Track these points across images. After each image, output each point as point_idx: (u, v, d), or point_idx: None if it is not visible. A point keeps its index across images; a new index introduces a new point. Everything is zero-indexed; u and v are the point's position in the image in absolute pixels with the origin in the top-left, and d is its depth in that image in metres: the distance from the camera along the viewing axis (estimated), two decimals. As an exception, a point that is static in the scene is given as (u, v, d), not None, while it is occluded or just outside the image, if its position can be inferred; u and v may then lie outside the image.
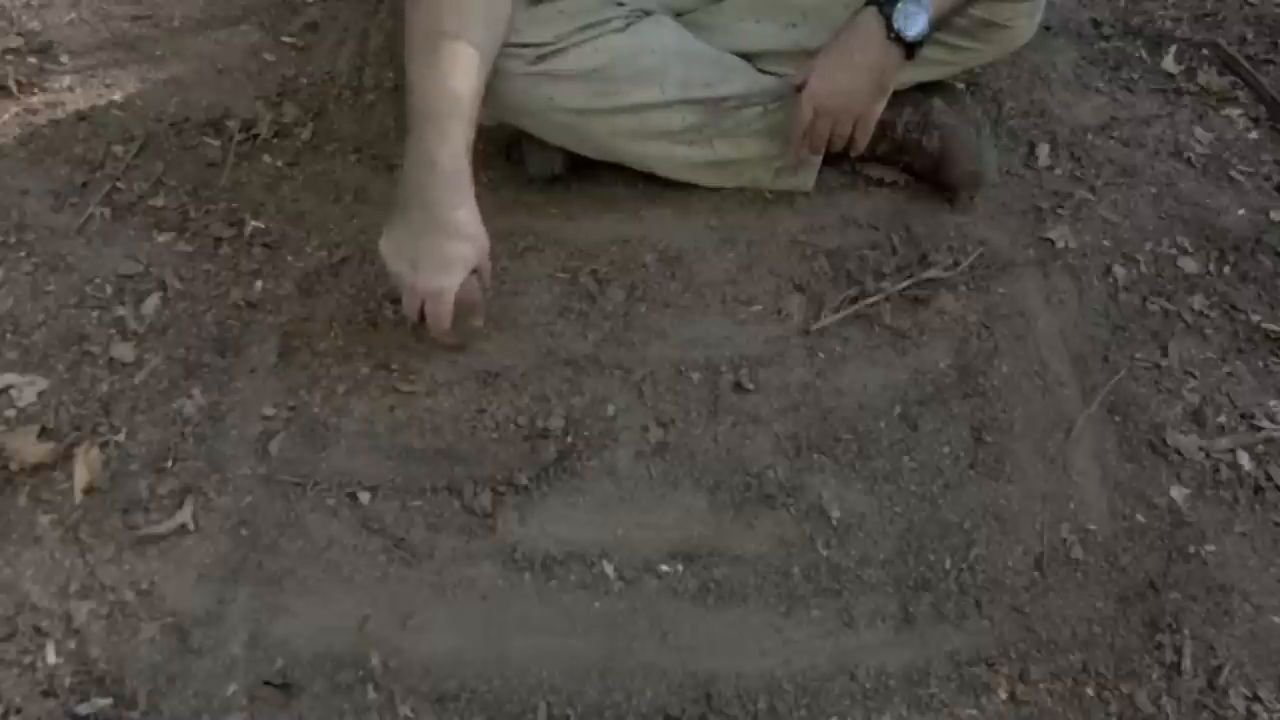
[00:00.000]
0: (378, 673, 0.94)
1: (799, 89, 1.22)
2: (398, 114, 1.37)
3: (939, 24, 1.16)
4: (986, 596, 1.03)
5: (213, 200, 1.30)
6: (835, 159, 1.36)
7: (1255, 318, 1.29)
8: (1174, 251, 1.36)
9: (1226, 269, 1.35)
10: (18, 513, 1.01)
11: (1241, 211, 1.42)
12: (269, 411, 1.10)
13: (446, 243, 1.04)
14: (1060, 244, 1.34)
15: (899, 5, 1.12)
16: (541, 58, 1.16)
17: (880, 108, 1.21)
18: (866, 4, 1.16)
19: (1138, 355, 1.24)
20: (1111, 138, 1.50)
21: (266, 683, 0.92)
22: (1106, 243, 1.36)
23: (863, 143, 1.24)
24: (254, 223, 1.28)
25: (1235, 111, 1.56)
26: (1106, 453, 1.15)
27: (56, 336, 1.14)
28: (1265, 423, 1.19)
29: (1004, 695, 0.97)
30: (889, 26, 1.13)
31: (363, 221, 1.29)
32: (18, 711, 0.89)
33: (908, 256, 1.31)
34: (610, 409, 1.14)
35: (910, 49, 1.15)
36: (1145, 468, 1.14)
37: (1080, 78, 1.59)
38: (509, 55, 1.15)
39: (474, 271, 1.08)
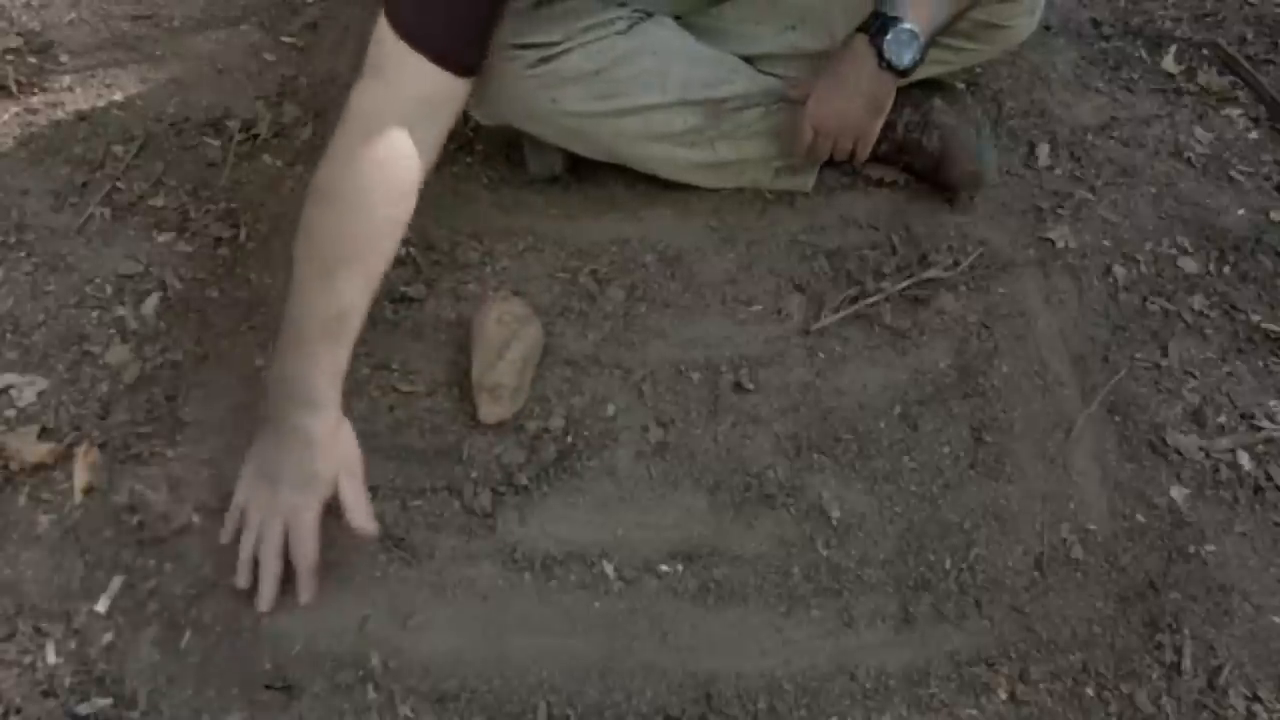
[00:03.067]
0: (378, 673, 0.94)
1: (798, 100, 1.22)
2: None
3: (931, 42, 1.17)
4: (986, 596, 1.03)
5: (213, 200, 1.30)
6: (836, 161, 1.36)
7: (1255, 318, 1.29)
8: (1174, 251, 1.36)
9: (1226, 269, 1.35)
10: (18, 513, 1.01)
11: (1241, 211, 1.42)
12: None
13: (313, 461, 0.94)
14: (1060, 244, 1.34)
15: (889, 36, 1.13)
16: (544, 59, 1.16)
17: (879, 124, 1.22)
18: (858, 31, 1.16)
19: (1138, 355, 1.24)
20: (1111, 138, 1.50)
21: (267, 685, 0.92)
22: (1106, 243, 1.36)
23: (864, 156, 1.26)
24: (254, 223, 1.28)
25: (1235, 111, 1.56)
26: (1106, 453, 1.15)
27: (56, 336, 1.14)
28: (1265, 423, 1.19)
29: (1004, 695, 0.97)
30: (880, 56, 1.14)
31: (363, 221, 1.29)
32: (18, 711, 0.89)
33: (908, 256, 1.31)
34: (610, 409, 1.14)
35: (904, 73, 1.16)
36: (1145, 468, 1.14)
37: (1080, 78, 1.59)
38: (511, 57, 1.15)
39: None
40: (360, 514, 0.96)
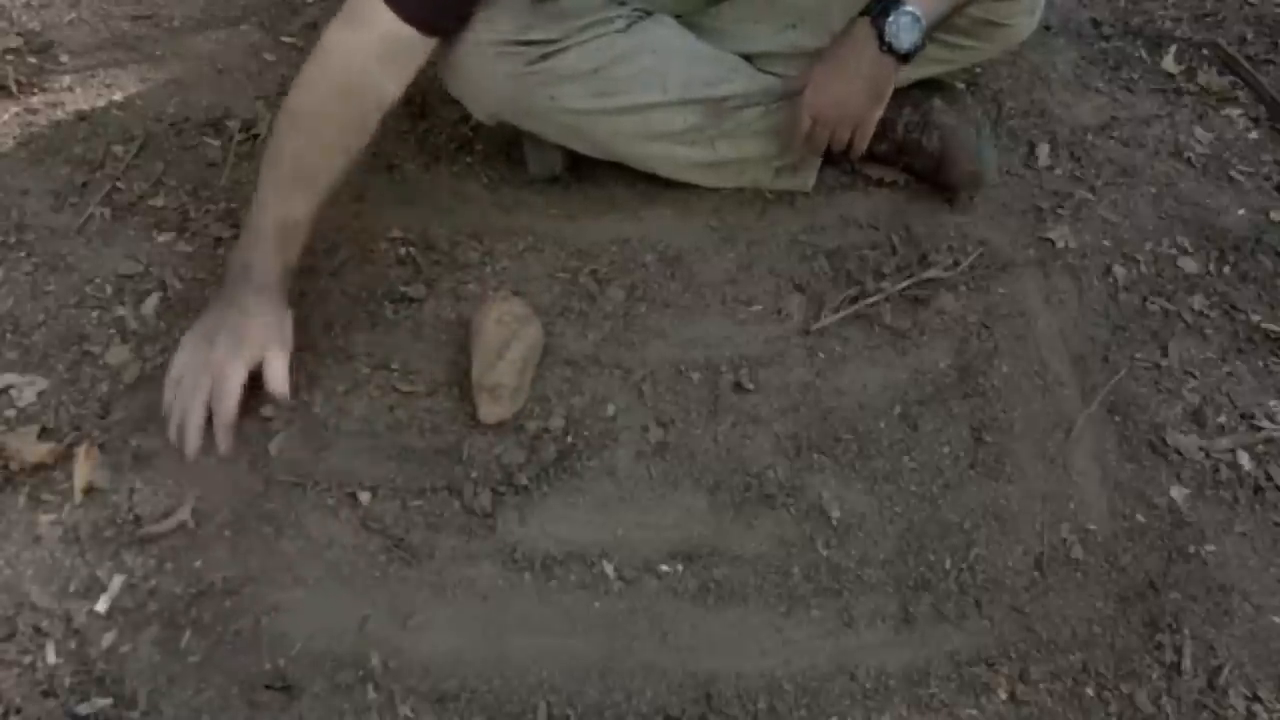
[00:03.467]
0: (378, 673, 0.94)
1: (798, 92, 1.22)
2: (397, 114, 1.36)
3: (933, 30, 1.16)
4: (986, 596, 1.03)
5: (213, 200, 1.30)
6: (835, 159, 1.36)
7: (1255, 318, 1.29)
8: (1174, 251, 1.36)
9: (1226, 269, 1.35)
10: (18, 513, 1.01)
11: (1241, 211, 1.42)
12: (269, 411, 1.10)
13: (248, 328, 1.05)
14: (1060, 244, 1.34)
15: (890, 18, 1.12)
16: (544, 56, 1.16)
17: (878, 113, 1.21)
18: (860, 14, 1.16)
19: (1138, 355, 1.24)
20: (1111, 138, 1.50)
21: (267, 685, 0.92)
22: (1106, 243, 1.36)
23: (861, 147, 1.25)
24: (254, 223, 1.28)
25: (1235, 111, 1.57)
26: (1106, 453, 1.15)
27: (56, 336, 1.14)
28: (1265, 423, 1.19)
29: (1004, 695, 0.97)
30: (881, 39, 1.13)
31: (363, 222, 1.29)
32: (18, 711, 0.89)
33: (908, 256, 1.31)
34: (610, 409, 1.14)
35: (905, 58, 1.15)
36: (1145, 468, 1.14)
37: (1080, 78, 1.59)
38: (511, 53, 1.15)
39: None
40: (278, 381, 1.06)
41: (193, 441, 1.03)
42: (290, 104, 1.08)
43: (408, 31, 1.06)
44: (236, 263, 1.08)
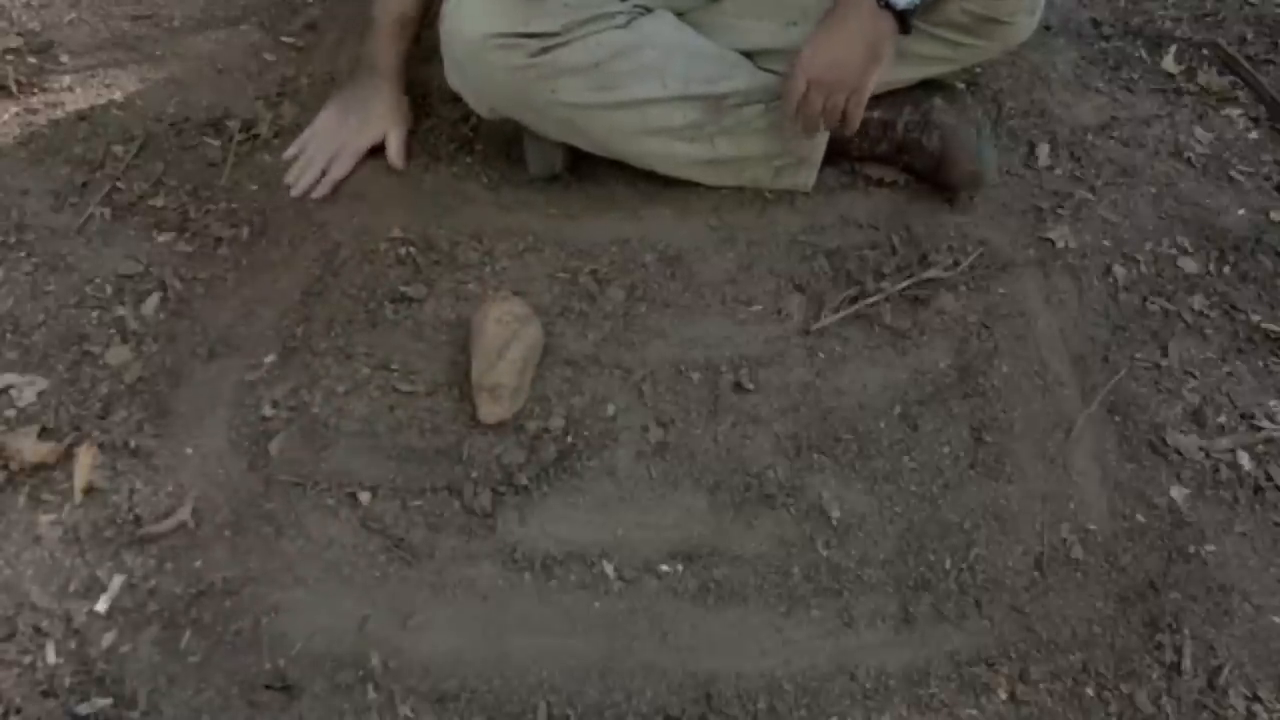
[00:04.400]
0: (378, 673, 0.94)
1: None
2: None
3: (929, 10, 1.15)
4: (986, 596, 1.03)
5: (213, 200, 1.30)
6: (835, 158, 1.36)
7: (1255, 318, 1.29)
8: (1174, 251, 1.36)
9: (1226, 269, 1.35)
10: (18, 513, 1.01)
11: (1241, 211, 1.42)
12: (269, 412, 1.10)
13: (373, 109, 1.32)
14: (1060, 244, 1.34)
15: None
16: (545, 49, 1.16)
17: (874, 78, 1.19)
18: None
19: (1138, 355, 1.24)
20: (1111, 138, 1.50)
21: (267, 685, 0.92)
22: (1106, 243, 1.36)
23: (857, 117, 1.21)
24: (254, 223, 1.28)
25: (1235, 111, 1.56)
26: (1106, 453, 1.15)
27: (56, 336, 1.14)
28: (1265, 423, 1.19)
29: (1004, 695, 0.97)
30: None
31: (363, 222, 1.29)
32: (18, 711, 0.89)
33: (908, 256, 1.31)
34: (610, 409, 1.14)
35: (902, 18, 1.14)
36: (1145, 468, 1.14)
37: (1080, 78, 1.59)
38: (511, 46, 1.15)
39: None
40: (396, 152, 1.34)
41: (301, 187, 1.30)
42: None
43: None
44: (359, 56, 1.35)
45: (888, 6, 1.13)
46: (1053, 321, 1.26)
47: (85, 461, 1.04)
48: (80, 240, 1.23)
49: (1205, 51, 1.65)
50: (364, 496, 1.05)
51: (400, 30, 1.32)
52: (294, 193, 1.30)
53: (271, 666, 0.94)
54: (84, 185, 1.29)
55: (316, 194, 1.30)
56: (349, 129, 1.32)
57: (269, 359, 1.15)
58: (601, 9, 1.19)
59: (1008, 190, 1.41)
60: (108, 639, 0.94)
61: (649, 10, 1.24)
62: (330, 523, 1.03)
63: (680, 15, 1.28)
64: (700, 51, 1.25)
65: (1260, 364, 1.25)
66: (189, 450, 1.07)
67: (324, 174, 1.31)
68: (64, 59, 1.46)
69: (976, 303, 1.27)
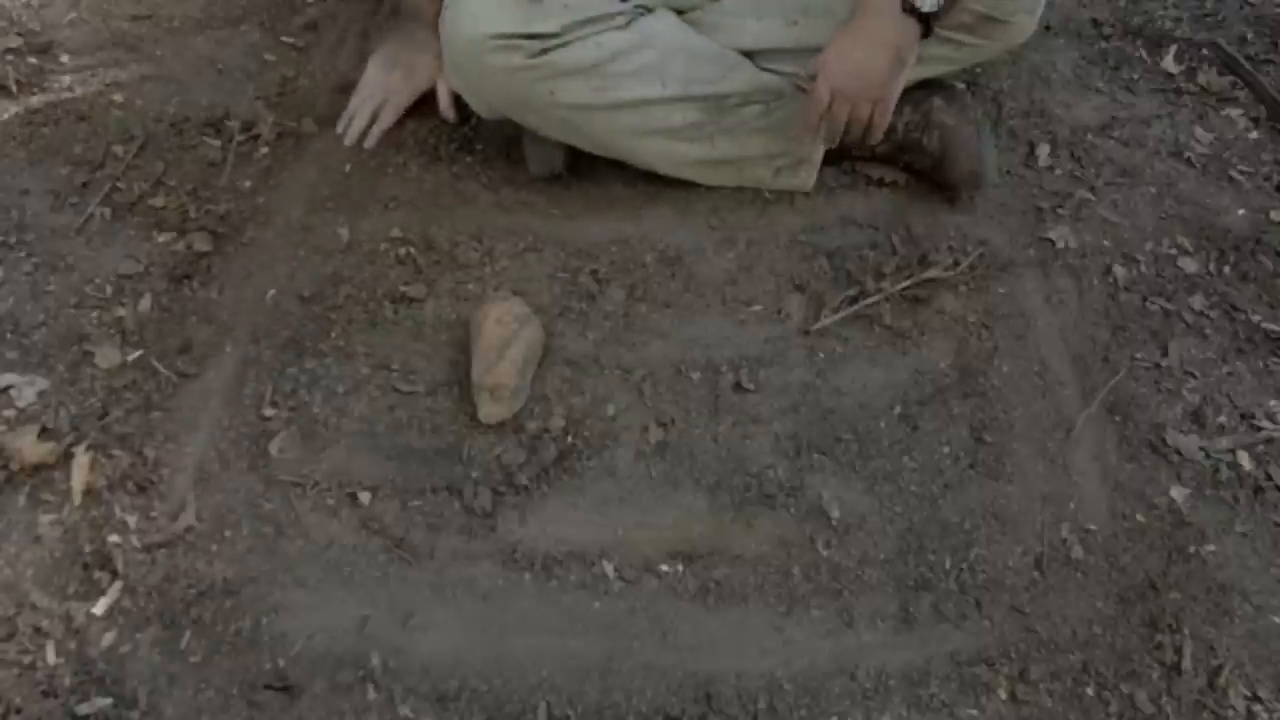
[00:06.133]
0: (378, 673, 0.94)
1: (802, 88, 1.21)
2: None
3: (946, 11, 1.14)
4: (986, 596, 1.03)
5: (213, 200, 1.30)
6: (835, 158, 1.36)
7: (1255, 318, 1.29)
8: (1174, 251, 1.36)
9: (1226, 269, 1.35)
10: (18, 513, 1.01)
11: (1241, 211, 1.42)
12: (269, 412, 1.10)
13: (419, 61, 1.33)
14: (1060, 244, 1.34)
15: None
16: (545, 50, 1.16)
17: (899, 85, 1.17)
18: None
19: (1138, 355, 1.24)
20: (1111, 138, 1.50)
21: (267, 685, 0.92)
22: (1106, 243, 1.36)
23: (882, 127, 1.19)
24: (254, 223, 1.28)
25: (1235, 111, 1.56)
26: (1106, 453, 1.15)
27: (56, 336, 1.14)
28: (1265, 423, 1.19)
29: (1004, 695, 0.97)
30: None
31: (363, 222, 1.29)
32: (18, 711, 0.89)
33: (908, 256, 1.31)
34: (610, 409, 1.14)
35: (927, 22, 1.13)
36: (1145, 468, 1.14)
37: (1080, 78, 1.59)
38: (511, 47, 1.15)
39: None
40: (446, 103, 1.34)
41: (352, 136, 1.31)
42: None
43: None
44: (401, 10, 1.36)
45: (913, 10, 1.12)
46: (1053, 321, 1.26)
47: (84, 462, 1.04)
48: (80, 240, 1.23)
49: (1205, 51, 1.65)
50: (364, 496, 1.05)
51: None
52: (346, 142, 1.31)
53: (271, 666, 0.94)
54: (84, 185, 1.29)
55: (367, 143, 1.31)
56: (395, 79, 1.33)
57: (269, 359, 1.15)
58: (601, 9, 1.19)
59: (1008, 190, 1.41)
60: (108, 639, 0.94)
61: (649, 10, 1.24)
62: (330, 523, 1.03)
63: (680, 14, 1.27)
64: (700, 51, 1.25)
65: (1260, 364, 1.25)
66: (189, 450, 1.07)
67: (372, 123, 1.32)
68: (64, 59, 1.46)
69: (976, 303, 1.27)
